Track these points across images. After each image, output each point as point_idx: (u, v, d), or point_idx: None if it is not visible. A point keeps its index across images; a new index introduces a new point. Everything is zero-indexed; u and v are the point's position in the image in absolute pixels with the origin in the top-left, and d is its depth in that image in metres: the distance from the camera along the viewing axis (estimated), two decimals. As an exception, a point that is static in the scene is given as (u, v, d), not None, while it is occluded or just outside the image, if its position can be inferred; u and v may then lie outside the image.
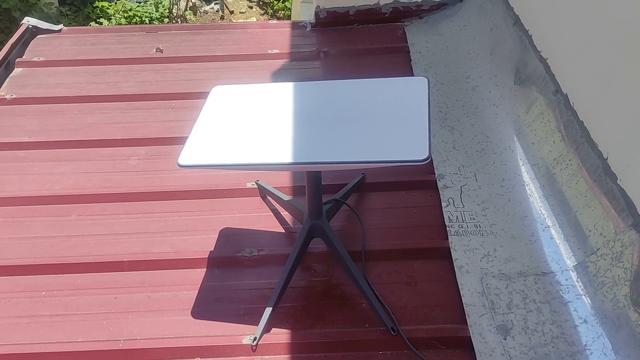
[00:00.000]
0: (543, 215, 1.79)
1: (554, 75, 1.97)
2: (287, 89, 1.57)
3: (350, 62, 2.59)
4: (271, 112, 1.50)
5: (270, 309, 1.55)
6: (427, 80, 1.49)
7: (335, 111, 1.47)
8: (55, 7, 6.24)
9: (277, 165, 1.41)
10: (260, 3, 8.25)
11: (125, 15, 6.66)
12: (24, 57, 2.65)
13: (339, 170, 1.94)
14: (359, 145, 1.36)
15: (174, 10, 7.25)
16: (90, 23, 6.38)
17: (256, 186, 1.94)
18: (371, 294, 1.58)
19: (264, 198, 1.94)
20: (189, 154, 1.39)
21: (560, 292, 1.58)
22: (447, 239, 1.75)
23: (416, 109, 1.41)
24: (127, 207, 1.92)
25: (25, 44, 2.72)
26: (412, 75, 2.42)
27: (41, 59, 2.62)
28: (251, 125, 1.47)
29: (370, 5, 2.78)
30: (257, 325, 1.53)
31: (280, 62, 2.62)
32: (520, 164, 1.96)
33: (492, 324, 1.53)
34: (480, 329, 1.52)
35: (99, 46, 2.73)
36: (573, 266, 1.63)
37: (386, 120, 1.40)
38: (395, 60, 2.57)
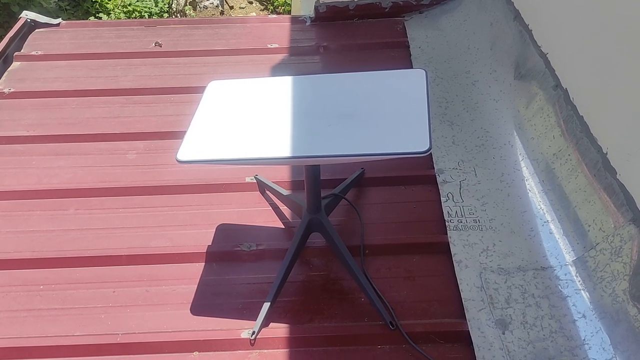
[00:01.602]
0: (542, 210, 1.78)
1: (554, 70, 1.96)
2: (284, 83, 1.56)
3: (350, 56, 2.58)
4: (269, 107, 1.49)
5: (269, 303, 1.55)
6: (424, 72, 1.49)
7: (333, 104, 1.46)
8: (55, 1, 6.22)
9: (276, 160, 1.40)
10: (260, -2, 8.21)
11: (125, 10, 6.64)
12: (22, 51, 2.64)
13: (338, 165, 1.93)
14: (359, 138, 1.35)
15: (173, 5, 7.23)
16: (90, 18, 6.36)
17: (255, 181, 1.94)
18: (370, 288, 1.58)
19: (262, 193, 1.94)
20: (187, 150, 1.38)
21: (559, 286, 1.58)
22: (446, 234, 1.75)
23: (415, 101, 1.41)
24: (126, 201, 1.92)
25: (24, 38, 2.71)
26: (412, 70, 2.42)
27: (39, 52, 2.61)
28: (249, 120, 1.46)
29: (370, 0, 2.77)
30: (256, 319, 1.53)
31: (279, 57, 2.61)
32: (520, 159, 1.95)
33: (491, 318, 1.52)
34: (479, 323, 1.51)
35: (98, 40, 2.72)
36: (572, 261, 1.62)
37: (385, 113, 1.40)
38: (395, 55, 2.56)
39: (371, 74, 1.55)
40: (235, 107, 1.52)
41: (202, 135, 1.42)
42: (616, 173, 1.58)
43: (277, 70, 2.51)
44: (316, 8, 2.78)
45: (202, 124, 1.46)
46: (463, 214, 1.81)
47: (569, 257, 1.64)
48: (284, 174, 1.99)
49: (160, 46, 2.66)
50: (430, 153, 1.74)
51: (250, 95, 1.55)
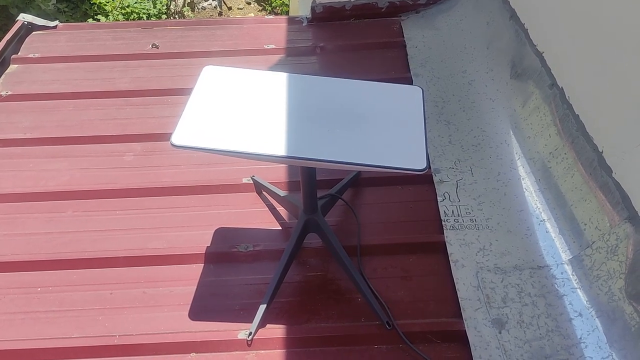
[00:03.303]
0: (539, 209, 1.79)
1: (550, 69, 1.97)
2: (281, 79, 1.56)
3: (347, 57, 2.59)
4: (266, 101, 1.48)
5: (265, 304, 1.55)
6: (421, 90, 1.50)
7: (332, 109, 1.45)
8: (53, 4, 6.22)
9: (273, 157, 1.40)
10: (259, -1, 8.21)
11: (123, 12, 6.64)
12: (19, 53, 2.64)
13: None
14: (357, 147, 1.35)
15: (171, 6, 7.23)
16: (88, 20, 6.37)
17: (252, 182, 1.94)
18: (366, 288, 1.58)
19: (259, 194, 1.94)
20: (182, 134, 1.35)
21: (556, 285, 1.58)
22: (443, 233, 1.75)
23: (413, 119, 1.42)
24: (123, 203, 1.92)
25: (21, 41, 2.71)
26: (409, 71, 2.41)
27: (37, 55, 2.61)
28: (246, 112, 1.45)
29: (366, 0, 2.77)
30: (253, 320, 1.53)
31: (276, 58, 2.61)
32: (516, 158, 1.95)
33: (488, 317, 1.53)
34: (476, 322, 1.52)
35: (95, 42, 2.72)
36: (568, 260, 1.62)
37: (383, 126, 1.40)
38: (392, 55, 2.56)
39: (370, 83, 1.55)
40: (232, 95, 1.49)
41: (197, 121, 1.40)
42: (612, 171, 1.59)
43: (274, 70, 2.51)
44: (313, 8, 2.78)
45: (197, 109, 1.43)
46: (459, 213, 1.81)
47: (565, 255, 1.64)
48: (280, 174, 1.99)
49: (157, 48, 2.66)
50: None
51: (247, 86, 1.53)
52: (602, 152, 1.64)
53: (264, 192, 1.93)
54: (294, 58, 2.60)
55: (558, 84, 1.90)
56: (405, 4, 2.77)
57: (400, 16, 2.78)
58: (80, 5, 6.56)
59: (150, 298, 1.64)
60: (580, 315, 1.50)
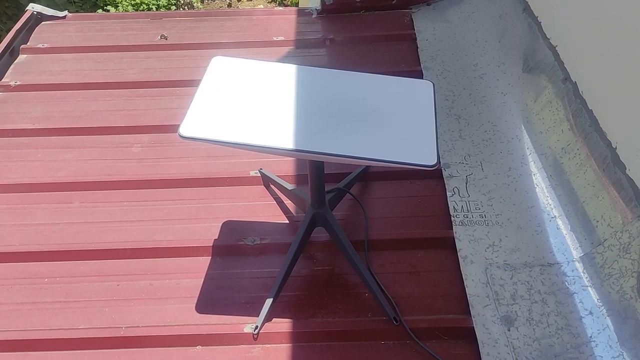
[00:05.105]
0: (550, 205, 1.76)
1: (563, 63, 1.93)
2: (290, 71, 1.54)
3: (356, 49, 2.56)
4: (274, 92, 1.46)
5: (272, 297, 1.54)
6: (432, 84, 1.48)
7: (341, 103, 1.43)
8: (63, -6, 6.22)
9: (282, 150, 1.38)
10: (268, -10, 8.16)
11: (132, 2, 6.63)
12: (28, 43, 2.64)
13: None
14: (367, 142, 1.33)
15: (181, -3, 7.21)
16: (98, 10, 6.36)
17: (259, 175, 1.93)
18: (374, 283, 1.57)
19: (267, 187, 1.93)
20: (190, 125, 1.34)
21: (566, 283, 1.56)
22: (452, 229, 1.73)
23: (423, 114, 1.40)
24: (130, 194, 1.92)
25: (30, 31, 2.71)
26: (420, 64, 2.39)
27: (45, 45, 2.61)
28: (254, 103, 1.43)
29: (377, -9, 2.74)
30: (259, 313, 1.52)
31: (285, 49, 2.59)
32: (528, 153, 1.93)
33: (496, 314, 1.51)
34: (484, 319, 1.50)
35: (104, 33, 2.71)
36: (579, 257, 1.60)
37: (393, 121, 1.38)
38: (402, 47, 2.54)
39: (380, 77, 1.52)
40: (240, 87, 1.48)
41: (205, 112, 1.38)
42: (625, 168, 1.56)
43: (283, 62, 2.49)
44: (322, 0, 2.75)
45: (205, 100, 1.42)
46: (469, 208, 1.79)
47: (576, 253, 1.62)
48: (288, 167, 1.97)
49: (166, 39, 2.65)
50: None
51: (256, 77, 1.51)
52: (616, 148, 1.61)
53: (271, 185, 1.92)
54: (303, 50, 2.58)
55: (571, 78, 1.87)
56: (417, -5, 2.74)
57: (411, 8, 2.75)
58: (90, -5, 6.55)
59: (156, 290, 1.64)
60: (591, 313, 1.48)
